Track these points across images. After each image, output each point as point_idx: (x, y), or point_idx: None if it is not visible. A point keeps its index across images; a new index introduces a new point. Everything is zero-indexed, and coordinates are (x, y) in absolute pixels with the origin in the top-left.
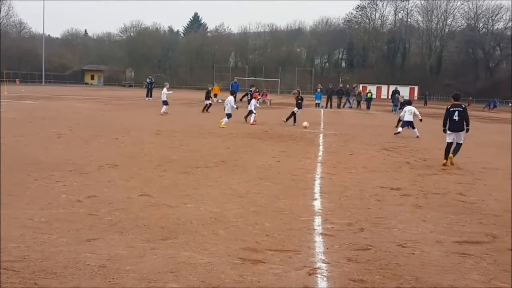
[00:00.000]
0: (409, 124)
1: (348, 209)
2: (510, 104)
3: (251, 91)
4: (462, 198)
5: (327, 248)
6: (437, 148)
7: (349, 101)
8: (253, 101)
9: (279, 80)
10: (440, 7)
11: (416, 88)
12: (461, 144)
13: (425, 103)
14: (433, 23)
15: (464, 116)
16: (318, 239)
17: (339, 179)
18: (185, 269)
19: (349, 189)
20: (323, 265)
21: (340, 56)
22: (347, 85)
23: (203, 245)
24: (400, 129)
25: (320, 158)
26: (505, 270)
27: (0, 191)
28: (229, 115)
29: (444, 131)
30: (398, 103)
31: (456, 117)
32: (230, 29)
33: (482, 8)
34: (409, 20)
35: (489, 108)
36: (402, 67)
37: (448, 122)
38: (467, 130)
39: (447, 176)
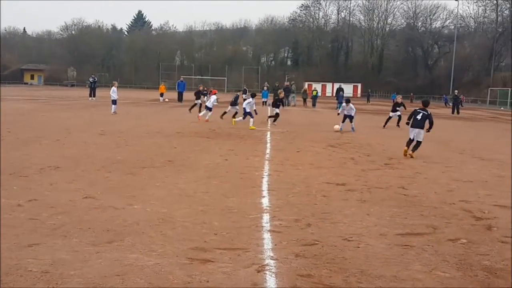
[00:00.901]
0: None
1: (295, 206)
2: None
3: (205, 91)
4: (404, 191)
5: (275, 245)
6: (380, 144)
7: (287, 99)
8: (213, 97)
9: (226, 78)
10: (380, 6)
11: (359, 85)
12: (420, 142)
13: (368, 100)
14: (374, 22)
15: (428, 119)
16: (267, 236)
17: (287, 176)
18: (132, 272)
19: (296, 186)
20: (272, 261)
21: (286, 54)
22: (283, 83)
23: (151, 246)
24: (338, 126)
25: (267, 155)
26: (445, 260)
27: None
28: (249, 114)
29: (408, 123)
30: (342, 100)
31: (419, 117)
32: (175, 28)
33: (420, 7)
34: (351, 19)
35: (446, 104)
36: (346, 65)
37: (412, 120)
38: (429, 130)
39: (389, 170)
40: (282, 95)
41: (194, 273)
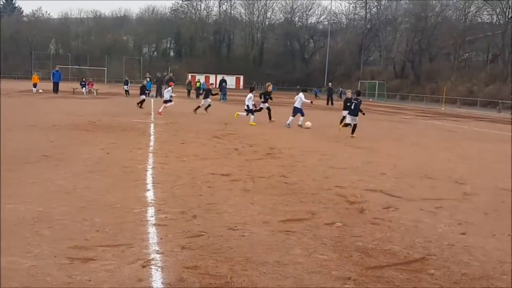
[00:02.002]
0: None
1: (180, 198)
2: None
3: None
4: (285, 180)
5: (161, 238)
6: (262, 134)
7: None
8: (170, 89)
9: (105, 69)
10: (260, 1)
11: (241, 77)
12: (356, 124)
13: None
14: (254, 15)
15: (359, 106)
16: (152, 230)
17: (171, 168)
18: (6, 276)
19: (181, 178)
20: (157, 255)
21: (168, 45)
22: (158, 74)
23: (26, 247)
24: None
25: (151, 148)
26: (323, 243)
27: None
28: (251, 111)
29: (344, 111)
30: (226, 92)
31: (353, 106)
32: (49, 14)
33: (297, 3)
34: (233, 12)
35: (316, 96)
36: (228, 57)
37: (348, 108)
38: (363, 114)
39: (271, 160)
40: (270, 88)
41: (75, 273)
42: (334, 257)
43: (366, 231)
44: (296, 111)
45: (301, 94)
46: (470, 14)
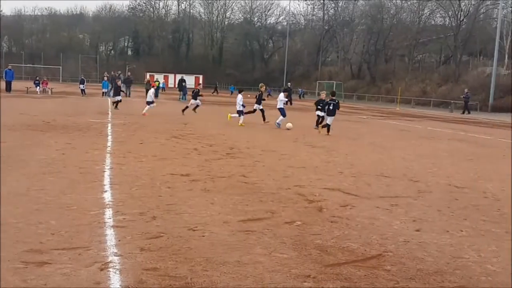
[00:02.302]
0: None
1: (139, 199)
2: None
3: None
4: (245, 179)
5: (119, 240)
6: (221, 134)
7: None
8: (151, 91)
9: (60, 67)
10: (219, 0)
11: (201, 77)
12: (330, 124)
13: (216, 91)
14: (214, 15)
15: (336, 106)
16: (110, 232)
17: (130, 168)
18: None
19: (140, 179)
20: (116, 258)
21: (126, 43)
22: (112, 73)
23: None
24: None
25: (109, 148)
26: (283, 241)
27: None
28: (241, 112)
29: (319, 110)
30: (186, 91)
31: (331, 107)
32: (1, 11)
33: (256, 3)
34: (192, 11)
35: (269, 95)
36: (187, 56)
37: (326, 109)
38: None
39: (231, 160)
40: (263, 89)
41: (30, 277)
42: (294, 256)
43: (324, 229)
44: (282, 112)
45: (281, 95)
46: (423, 17)
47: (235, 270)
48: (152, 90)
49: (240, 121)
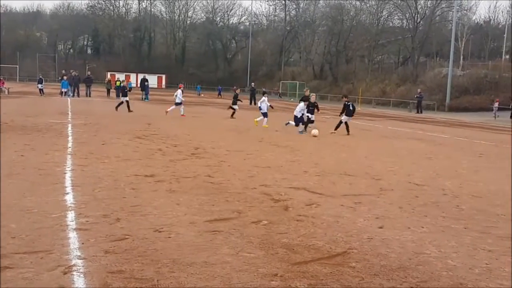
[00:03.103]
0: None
1: (103, 201)
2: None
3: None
4: (211, 179)
5: (83, 243)
6: (186, 134)
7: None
8: (180, 92)
9: (17, 66)
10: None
11: (163, 76)
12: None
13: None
14: (175, 14)
15: (354, 107)
16: (72, 235)
17: (92, 170)
18: None
19: (103, 180)
20: (79, 261)
21: (86, 42)
22: (72, 72)
23: None
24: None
25: (70, 149)
26: (250, 241)
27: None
28: (265, 114)
29: (341, 115)
30: (149, 91)
31: (351, 108)
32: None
33: (218, 3)
34: (153, 10)
35: (219, 95)
36: (149, 56)
37: (346, 110)
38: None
39: (196, 160)
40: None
41: None
42: (261, 255)
43: (291, 228)
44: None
45: (264, 98)
46: (382, 19)
47: (202, 271)
48: (179, 91)
49: (264, 123)
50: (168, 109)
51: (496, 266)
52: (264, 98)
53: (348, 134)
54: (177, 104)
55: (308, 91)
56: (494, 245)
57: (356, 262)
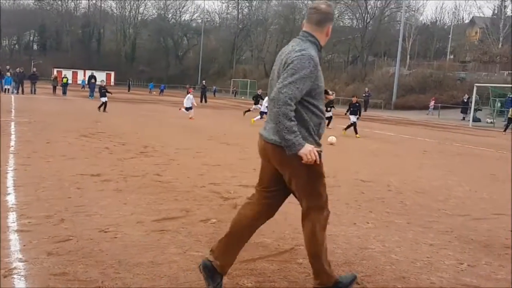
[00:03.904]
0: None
1: (46, 201)
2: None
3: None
4: (159, 178)
5: (24, 245)
6: (134, 132)
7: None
8: (191, 96)
9: None
10: None
11: (112, 73)
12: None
13: (129, 89)
14: (126, 10)
15: (361, 107)
16: (14, 237)
17: (35, 169)
18: None
19: (46, 180)
20: (20, 264)
21: (32, 38)
22: (18, 70)
23: None
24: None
25: (12, 148)
26: (198, 240)
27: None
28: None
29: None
30: (95, 88)
31: (355, 108)
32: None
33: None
34: (103, 5)
35: (161, 93)
36: (98, 52)
37: (352, 109)
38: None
39: (144, 158)
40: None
41: None
42: (207, 253)
43: None
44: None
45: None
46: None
47: (149, 271)
48: (190, 96)
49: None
50: (186, 113)
51: (437, 260)
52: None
53: (356, 135)
54: (187, 109)
55: (334, 95)
56: (436, 239)
57: (303, 258)
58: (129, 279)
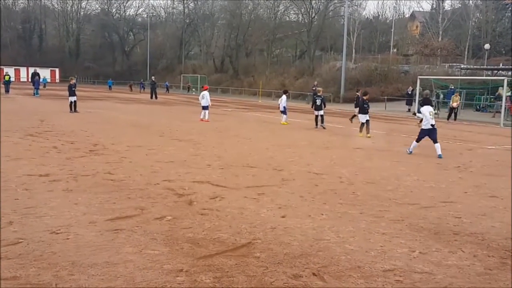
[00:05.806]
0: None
1: None
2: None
3: None
4: (111, 176)
5: None
6: (83, 130)
7: None
8: (207, 94)
9: None
10: None
11: (57, 70)
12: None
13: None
14: (68, 5)
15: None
16: None
17: None
18: None
19: None
20: None
21: None
22: None
23: None
24: None
25: None
26: (154, 238)
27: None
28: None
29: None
30: (39, 86)
31: (366, 106)
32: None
33: None
34: (43, 0)
35: (143, 89)
36: (41, 49)
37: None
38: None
39: (95, 157)
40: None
41: None
42: (165, 251)
43: (195, 222)
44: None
45: (284, 97)
46: (279, 13)
47: (104, 272)
48: (206, 93)
49: (283, 120)
50: (203, 117)
51: (390, 248)
52: (284, 98)
53: (368, 135)
54: (204, 108)
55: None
56: (388, 228)
57: (261, 252)
58: (83, 281)
